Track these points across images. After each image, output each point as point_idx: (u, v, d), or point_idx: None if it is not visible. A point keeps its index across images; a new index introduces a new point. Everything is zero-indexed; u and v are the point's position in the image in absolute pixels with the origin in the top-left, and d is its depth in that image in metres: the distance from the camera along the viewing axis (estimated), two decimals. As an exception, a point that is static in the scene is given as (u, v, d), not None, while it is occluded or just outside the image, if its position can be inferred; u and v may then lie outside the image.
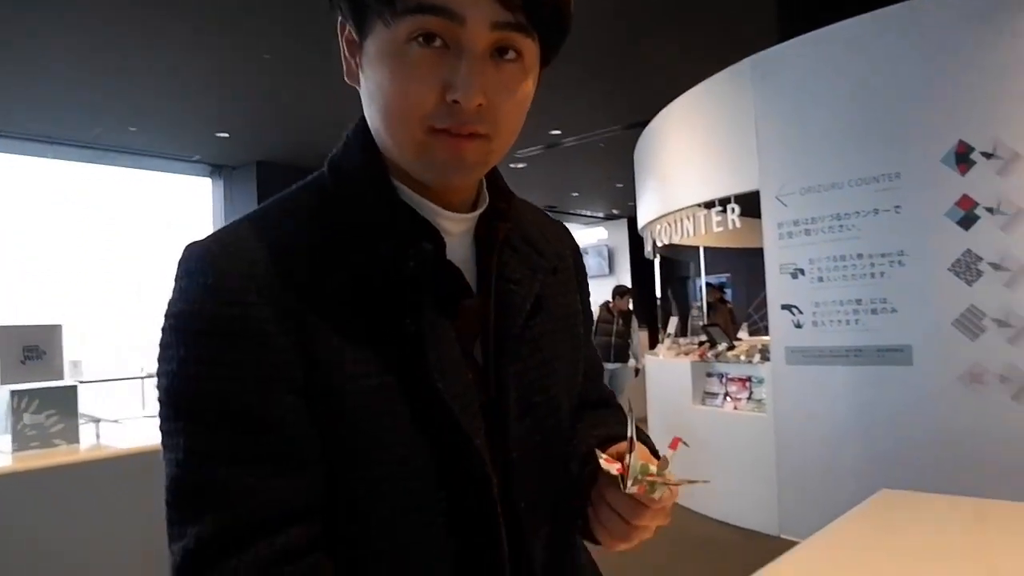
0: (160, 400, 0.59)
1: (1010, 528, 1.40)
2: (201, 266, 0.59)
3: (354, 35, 0.63)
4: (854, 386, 3.68)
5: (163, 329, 0.60)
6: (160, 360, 0.60)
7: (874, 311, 3.61)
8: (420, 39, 0.57)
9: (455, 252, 0.67)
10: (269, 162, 8.60)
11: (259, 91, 6.31)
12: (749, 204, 4.33)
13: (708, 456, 4.55)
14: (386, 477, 0.60)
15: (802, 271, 3.89)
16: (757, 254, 4.18)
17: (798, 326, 3.88)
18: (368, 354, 0.60)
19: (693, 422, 4.74)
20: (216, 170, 9.05)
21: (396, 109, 0.59)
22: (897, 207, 3.54)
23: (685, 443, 0.64)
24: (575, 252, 0.84)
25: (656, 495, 0.63)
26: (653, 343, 7.33)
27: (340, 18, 0.65)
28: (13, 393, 2.15)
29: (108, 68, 5.62)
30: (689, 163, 4.97)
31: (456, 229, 0.68)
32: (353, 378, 0.59)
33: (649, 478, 0.62)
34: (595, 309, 6.93)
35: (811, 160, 3.87)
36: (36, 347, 2.28)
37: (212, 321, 0.57)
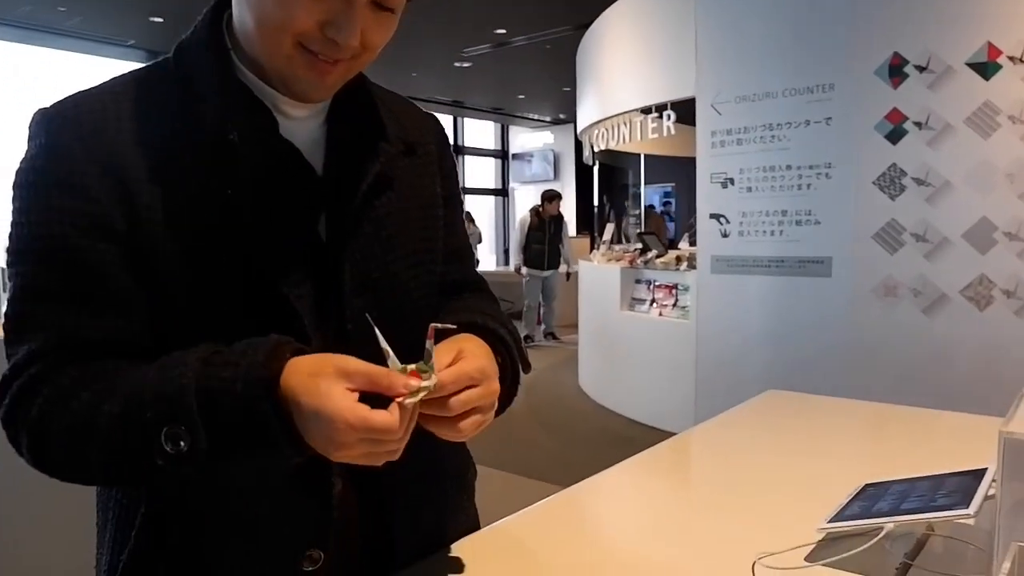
0: (7, 249, 0.66)
1: (888, 429, 1.44)
2: (40, 129, 0.66)
3: None
4: (774, 296, 3.84)
5: (14, 181, 0.67)
6: (11, 215, 0.66)
7: (798, 223, 3.72)
8: None
9: (299, 134, 0.71)
10: (200, 48, 8.14)
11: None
12: (689, 112, 4.34)
13: (632, 360, 4.76)
14: (206, 339, 0.63)
15: (732, 181, 3.96)
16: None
17: (725, 235, 3.99)
18: (189, 218, 0.65)
19: (619, 327, 4.91)
20: (152, 55, 8.52)
21: (272, 24, 0.63)
22: (828, 119, 3.59)
23: (441, 327, 0.63)
24: (441, 141, 0.88)
25: (430, 379, 0.60)
26: (591, 249, 7.45)
27: None
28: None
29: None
30: (628, 67, 4.92)
31: (298, 113, 0.72)
32: (171, 238, 0.65)
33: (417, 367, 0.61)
34: (525, 213, 6.99)
35: (747, 69, 3.87)
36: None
37: (43, 174, 0.65)
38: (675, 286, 4.58)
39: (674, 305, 4.53)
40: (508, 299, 8.90)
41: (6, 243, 0.66)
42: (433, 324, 0.62)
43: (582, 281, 5.80)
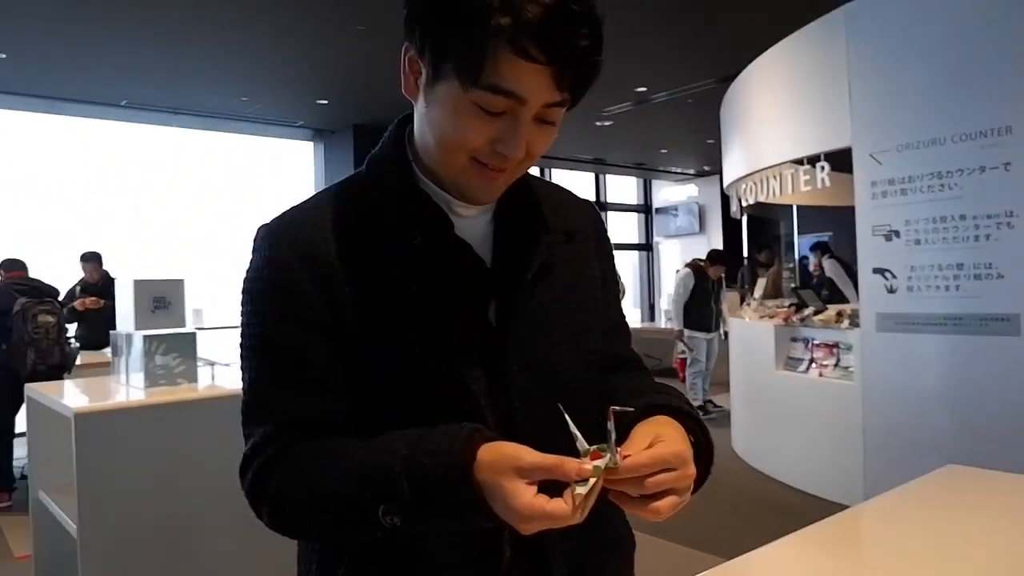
0: (241, 344, 0.81)
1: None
2: (263, 243, 0.80)
3: (422, 68, 0.74)
4: (951, 356, 3.52)
5: (242, 288, 0.81)
6: (240, 316, 0.81)
7: (977, 276, 3.43)
8: (489, 112, 0.71)
9: (470, 231, 0.82)
10: (365, 125, 8.92)
11: (355, 60, 6.55)
12: (842, 161, 4.17)
13: (790, 424, 4.51)
14: (394, 420, 0.74)
15: (897, 233, 3.73)
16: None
17: (891, 291, 3.75)
18: (381, 312, 0.77)
19: (775, 388, 4.69)
20: (317, 134, 9.49)
21: (449, 142, 0.74)
22: (1007, 164, 3.32)
23: (619, 411, 0.67)
24: (597, 226, 0.96)
25: (581, 490, 0.63)
26: (741, 304, 7.19)
27: (408, 43, 0.75)
28: (145, 338, 2.46)
29: (222, 44, 6.01)
30: (777, 119, 4.82)
31: (469, 213, 0.82)
32: (367, 331, 0.77)
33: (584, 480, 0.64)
34: (679, 266, 6.81)
35: (908, 115, 3.68)
36: (163, 298, 2.58)
37: (266, 282, 0.79)
38: (836, 345, 4.32)
39: (835, 365, 4.27)
40: (655, 356, 8.74)
41: (239, 336, 0.81)
42: (613, 408, 0.66)
43: (733, 339, 5.62)
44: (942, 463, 1.61)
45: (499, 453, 0.66)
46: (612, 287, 0.95)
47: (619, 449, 0.66)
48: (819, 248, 6.66)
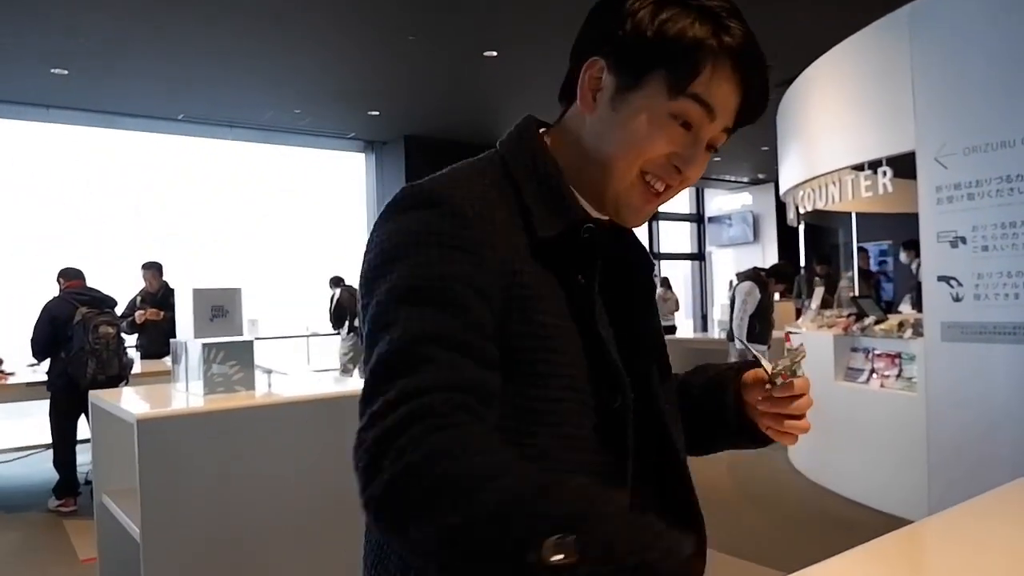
0: (378, 303, 0.69)
1: None
2: (434, 198, 0.72)
3: (613, 79, 0.77)
4: (1020, 366, 3.37)
5: (393, 245, 0.71)
6: (381, 275, 0.70)
7: (1049, 284, 3.28)
8: (682, 123, 0.76)
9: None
10: (415, 136, 9.04)
11: (404, 72, 6.66)
12: (904, 166, 4.03)
13: (851, 436, 4.36)
14: (558, 398, 0.75)
15: (963, 239, 3.58)
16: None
17: (957, 300, 3.60)
18: (551, 302, 0.75)
19: (835, 399, 4.54)
20: (368, 145, 9.67)
21: (631, 150, 0.77)
22: (1081, 167, 3.17)
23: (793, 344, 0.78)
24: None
25: (800, 373, 0.84)
26: (798, 314, 7.00)
27: (594, 59, 0.78)
28: (204, 346, 2.52)
29: (276, 59, 6.19)
30: (836, 124, 4.69)
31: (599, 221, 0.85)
32: (538, 318, 0.74)
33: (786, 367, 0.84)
34: (733, 276, 6.66)
35: (976, 117, 3.53)
36: (221, 307, 2.65)
37: (449, 236, 0.70)
38: (898, 355, 4.17)
39: (898, 376, 4.12)
40: (708, 366, 8.57)
41: (376, 299, 0.69)
42: (788, 333, 0.82)
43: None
44: (1011, 477, 1.53)
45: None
46: None
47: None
48: (913, 248, 6.35)
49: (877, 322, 4.46)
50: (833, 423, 4.56)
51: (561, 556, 0.50)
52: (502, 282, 0.71)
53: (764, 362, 0.85)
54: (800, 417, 0.87)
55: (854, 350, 4.53)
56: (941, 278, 3.66)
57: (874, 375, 4.28)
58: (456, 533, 0.55)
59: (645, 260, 0.91)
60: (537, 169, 0.80)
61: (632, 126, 0.76)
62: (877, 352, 4.32)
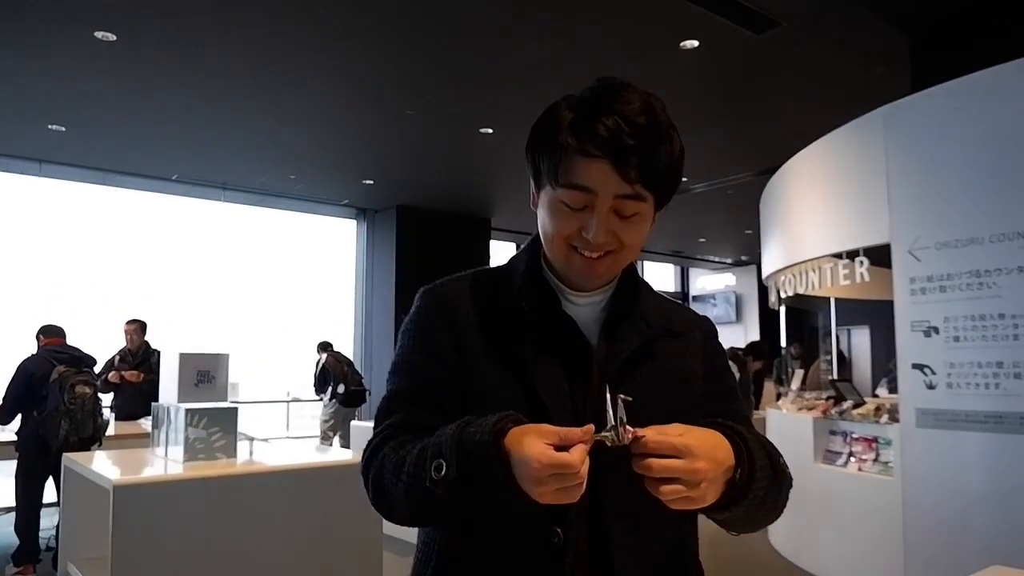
0: (390, 371, 1.02)
1: None
2: (420, 298, 1.04)
3: (533, 183, 0.98)
4: (994, 455, 3.41)
5: (399, 333, 1.04)
6: (395, 349, 1.04)
7: (1017, 375, 3.36)
8: (570, 207, 0.91)
9: (582, 315, 1.00)
10: (408, 206, 9.19)
11: (401, 143, 6.84)
12: (881, 255, 4.18)
13: (829, 518, 4.35)
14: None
15: (936, 329, 3.69)
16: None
17: (930, 387, 3.67)
18: (494, 362, 0.96)
19: (813, 481, 4.54)
20: (361, 213, 9.80)
21: (551, 234, 0.95)
22: (1046, 265, 3.31)
23: (624, 398, 0.79)
24: (708, 333, 1.10)
25: (622, 438, 0.78)
26: (777, 396, 7.06)
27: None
28: (188, 411, 2.52)
29: (272, 124, 6.35)
30: (816, 213, 4.86)
31: (580, 301, 1.01)
32: (480, 376, 0.96)
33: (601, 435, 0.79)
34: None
35: (947, 213, 3.70)
36: (208, 372, 2.67)
37: (416, 325, 1.02)
38: (875, 439, 4.21)
39: (875, 460, 4.14)
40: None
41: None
42: (621, 396, 0.79)
43: (771, 430, 5.48)
44: (984, 562, 1.55)
45: (529, 425, 0.81)
46: (724, 383, 1.08)
47: (638, 431, 0.77)
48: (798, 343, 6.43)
49: (855, 406, 4.51)
50: (812, 505, 4.55)
51: (441, 471, 0.82)
52: (455, 353, 0.97)
53: (608, 418, 0.79)
54: (673, 480, 0.77)
55: (832, 433, 4.56)
56: (915, 366, 3.75)
57: (852, 458, 4.30)
58: (401, 494, 0.89)
59: (630, 327, 1.00)
60: (515, 268, 1.03)
61: (544, 218, 0.95)
62: (855, 436, 4.36)
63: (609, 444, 0.78)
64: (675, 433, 0.79)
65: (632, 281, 1.04)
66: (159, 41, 4.71)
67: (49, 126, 6.27)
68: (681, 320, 1.07)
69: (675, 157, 0.92)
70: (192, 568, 2.30)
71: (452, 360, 0.97)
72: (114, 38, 4.62)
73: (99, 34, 4.56)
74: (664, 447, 0.77)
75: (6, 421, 4.38)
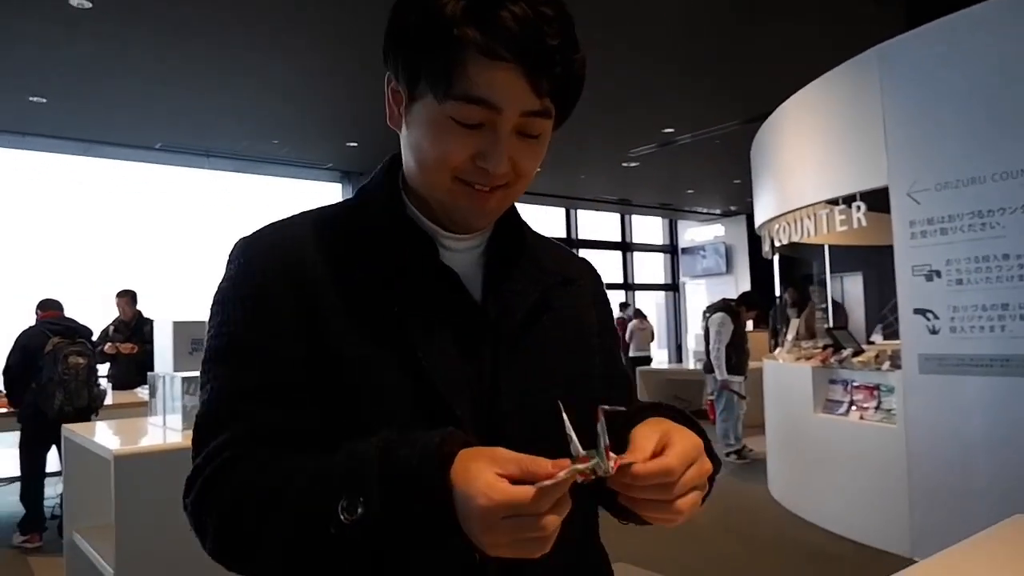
0: (204, 359, 0.75)
1: None
2: (239, 253, 0.77)
3: (401, 92, 0.74)
4: (998, 398, 3.42)
5: (211, 305, 0.77)
6: (207, 330, 0.76)
7: (1023, 317, 3.35)
8: (465, 125, 0.69)
9: (459, 264, 0.79)
10: (393, 167, 9.07)
11: (384, 103, 6.69)
12: (878, 200, 4.13)
13: (831, 468, 4.39)
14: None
15: (937, 273, 3.67)
16: (892, 251, 3.92)
17: (933, 332, 3.66)
18: (364, 331, 0.72)
19: (814, 431, 4.57)
20: (345, 176, 9.65)
21: (432, 162, 0.72)
22: (1051, 203, 3.27)
23: (609, 410, 0.61)
24: (595, 280, 0.95)
25: (603, 469, 0.59)
26: (772, 346, 7.09)
27: (388, 72, 0.76)
28: (184, 379, 2.46)
29: (254, 88, 6.17)
30: (810, 159, 4.80)
31: (457, 246, 0.80)
32: (349, 348, 0.71)
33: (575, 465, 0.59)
34: (704, 308, 6.73)
35: (946, 154, 3.64)
36: (201, 340, 2.59)
37: (241, 288, 0.74)
38: (877, 387, 4.22)
39: (877, 408, 4.16)
40: (685, 398, 8.61)
41: (204, 355, 0.76)
42: (601, 407, 0.60)
43: (767, 381, 5.50)
44: (990, 509, 1.52)
45: (477, 448, 0.62)
46: (611, 340, 0.92)
47: (619, 457, 0.60)
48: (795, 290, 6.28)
49: (855, 354, 4.51)
50: (812, 455, 4.59)
51: (356, 511, 0.60)
52: (307, 320, 0.72)
53: (572, 444, 0.59)
54: (669, 502, 0.63)
55: (832, 382, 4.57)
56: (917, 311, 3.73)
57: (853, 407, 4.32)
58: (281, 541, 0.64)
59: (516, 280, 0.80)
60: (371, 209, 0.80)
61: (420, 141, 0.72)
62: (856, 384, 4.37)
63: (581, 480, 0.58)
64: (655, 449, 0.63)
65: (513, 218, 0.84)
66: (135, 6, 4.54)
67: (30, 98, 6.09)
68: (571, 264, 0.90)
69: (583, 60, 0.71)
70: (194, 535, 2.27)
71: (301, 333, 0.71)
72: (90, 5, 4.46)
73: (74, 1, 4.39)
74: (658, 475, 0.61)
75: (13, 394, 4.41)
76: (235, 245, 0.78)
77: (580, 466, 0.58)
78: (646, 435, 0.65)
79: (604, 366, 0.87)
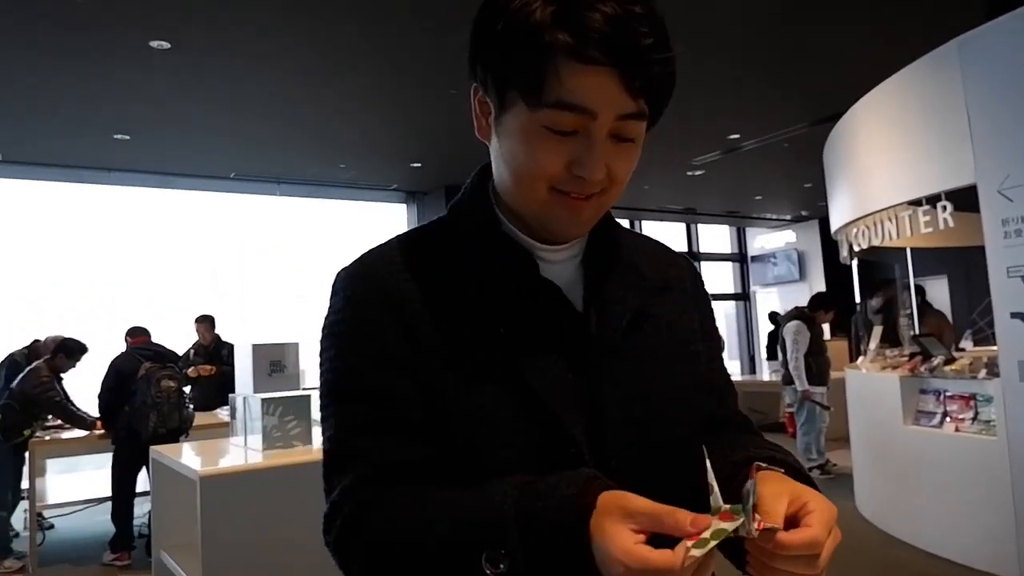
0: (320, 394, 0.76)
1: None
2: (342, 285, 0.78)
3: (490, 102, 0.73)
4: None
5: (320, 339, 0.77)
6: (320, 364, 0.77)
7: None
8: (559, 132, 0.67)
9: (557, 276, 0.77)
10: (456, 186, 9.04)
11: (447, 123, 6.78)
12: (963, 198, 3.90)
13: (926, 483, 4.14)
14: (492, 466, 0.68)
15: (1035, 273, 3.43)
16: (980, 252, 3.71)
17: (1033, 336, 3.42)
18: (466, 354, 0.71)
19: (905, 444, 4.33)
20: (410, 196, 9.83)
21: (525, 173, 0.70)
22: None
23: (765, 468, 0.58)
24: (695, 278, 0.91)
25: (696, 552, 0.54)
26: (853, 355, 6.77)
27: (475, 83, 0.74)
28: (264, 400, 2.52)
29: (321, 116, 6.37)
30: (890, 159, 4.59)
31: (554, 258, 0.78)
32: (452, 372, 0.71)
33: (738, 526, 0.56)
34: (797, 324, 6.45)
35: (1042, 147, 3.41)
36: (279, 362, 2.66)
37: (347, 324, 0.75)
38: (973, 396, 3.96)
39: (974, 419, 3.91)
40: (760, 410, 8.32)
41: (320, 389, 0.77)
42: (757, 463, 0.59)
43: (851, 392, 5.25)
44: None
45: (609, 497, 0.59)
46: (713, 343, 0.89)
47: (761, 518, 0.56)
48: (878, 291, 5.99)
49: (946, 362, 4.26)
50: (903, 469, 4.34)
51: (499, 566, 0.59)
52: (409, 347, 0.72)
53: (712, 495, 0.57)
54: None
55: (923, 392, 4.32)
56: (1015, 315, 3.49)
57: (947, 418, 4.07)
58: None
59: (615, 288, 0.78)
60: (465, 226, 0.78)
61: (513, 151, 0.70)
62: (949, 394, 4.12)
63: (720, 535, 0.54)
64: (788, 512, 0.59)
65: (608, 223, 0.81)
66: (210, 45, 4.77)
67: (114, 136, 6.45)
68: (668, 264, 0.87)
69: (673, 59, 0.68)
70: (278, 553, 2.31)
71: (406, 359, 0.72)
72: (168, 46, 4.71)
73: (154, 43, 4.65)
74: (805, 547, 0.57)
75: (106, 416, 4.62)
76: (336, 277, 0.79)
77: (725, 525, 0.55)
78: (775, 495, 0.60)
79: (709, 373, 0.85)
